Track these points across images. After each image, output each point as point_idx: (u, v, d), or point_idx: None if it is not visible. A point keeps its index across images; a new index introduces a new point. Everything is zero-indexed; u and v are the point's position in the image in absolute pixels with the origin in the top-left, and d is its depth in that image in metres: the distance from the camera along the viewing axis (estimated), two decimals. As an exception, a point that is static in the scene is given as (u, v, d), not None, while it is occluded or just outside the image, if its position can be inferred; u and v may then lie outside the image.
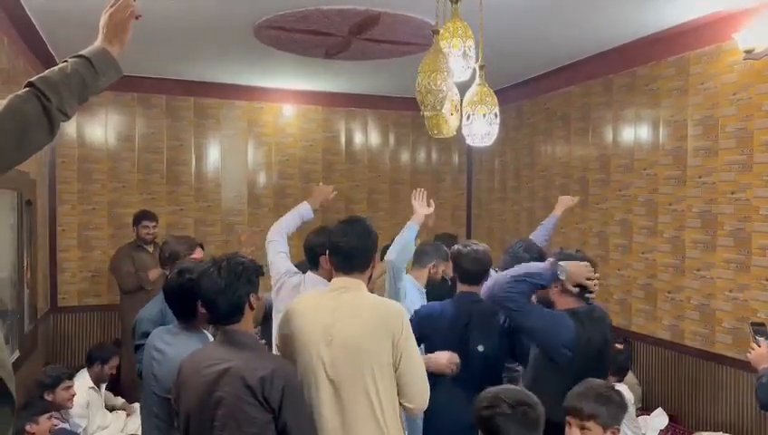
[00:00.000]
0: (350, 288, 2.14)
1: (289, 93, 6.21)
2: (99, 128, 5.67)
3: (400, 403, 2.08)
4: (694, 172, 4.12)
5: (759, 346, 2.70)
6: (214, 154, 6.08)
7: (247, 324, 2.02)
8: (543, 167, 5.77)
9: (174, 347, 2.25)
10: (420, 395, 2.08)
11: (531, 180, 5.95)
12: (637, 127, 4.65)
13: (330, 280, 2.83)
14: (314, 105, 6.36)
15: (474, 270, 2.87)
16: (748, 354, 2.75)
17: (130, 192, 5.77)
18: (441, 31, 2.68)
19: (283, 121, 6.30)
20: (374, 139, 6.66)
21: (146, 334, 2.50)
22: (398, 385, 2.06)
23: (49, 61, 5.01)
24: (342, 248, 2.17)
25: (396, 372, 2.04)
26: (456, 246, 2.98)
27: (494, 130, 2.94)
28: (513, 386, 2.15)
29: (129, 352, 3.78)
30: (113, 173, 5.74)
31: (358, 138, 6.59)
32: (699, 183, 4.08)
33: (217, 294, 1.94)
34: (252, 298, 2.00)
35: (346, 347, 2.03)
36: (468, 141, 3.10)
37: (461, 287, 2.93)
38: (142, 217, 5.16)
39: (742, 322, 3.75)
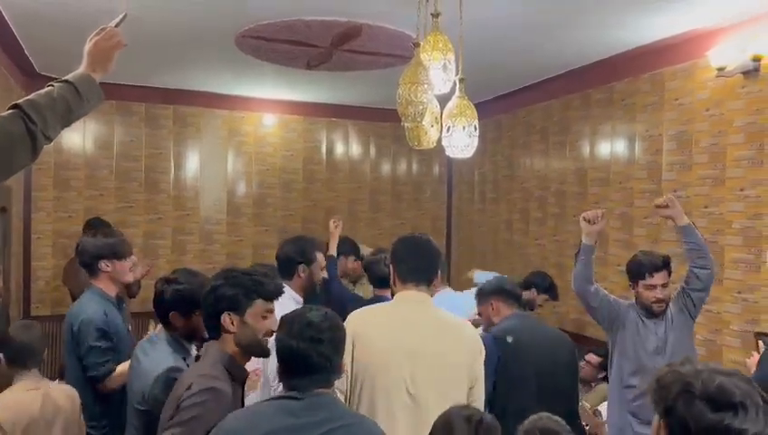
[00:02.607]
0: (423, 302, 2.16)
1: (270, 103, 6.21)
2: (76, 135, 5.61)
3: None
4: (668, 186, 4.20)
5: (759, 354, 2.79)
6: (193, 163, 6.05)
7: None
8: (522, 179, 5.83)
9: (149, 358, 2.22)
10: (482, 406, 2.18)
11: (510, 192, 6.01)
12: (613, 141, 4.73)
13: (303, 292, 2.83)
14: (295, 115, 6.37)
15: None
16: (747, 360, 2.83)
17: (107, 200, 5.71)
18: (422, 44, 2.71)
19: (264, 131, 6.29)
20: (355, 149, 6.68)
21: (103, 334, 2.51)
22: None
23: (26, 66, 4.96)
24: (407, 261, 2.19)
25: (469, 390, 2.10)
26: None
27: (474, 142, 2.98)
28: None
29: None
30: (90, 181, 5.68)
31: (339, 148, 6.61)
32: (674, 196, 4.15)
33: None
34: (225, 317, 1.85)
35: (433, 365, 2.04)
36: (448, 153, 3.13)
37: None
38: (97, 225, 4.99)
39: (715, 334, 3.81)
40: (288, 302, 2.47)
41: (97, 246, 2.75)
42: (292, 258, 2.82)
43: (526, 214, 5.74)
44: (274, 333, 1.80)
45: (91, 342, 2.56)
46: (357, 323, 2.12)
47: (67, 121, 1.59)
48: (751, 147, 3.64)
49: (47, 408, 2.33)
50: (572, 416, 2.85)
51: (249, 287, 1.85)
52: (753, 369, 2.73)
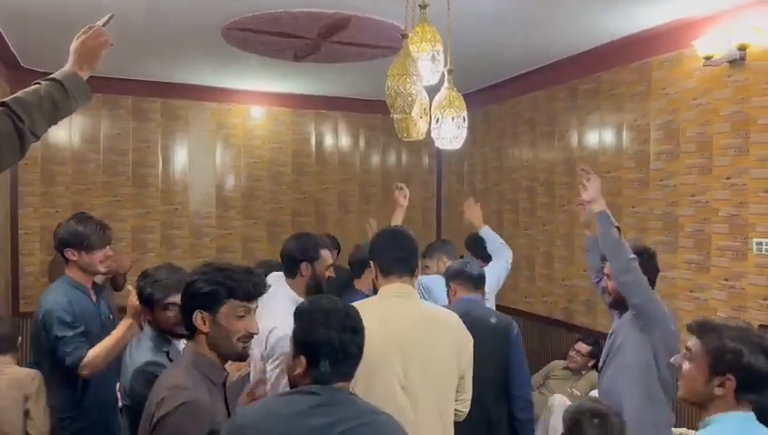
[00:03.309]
0: (410, 295, 2.16)
1: (258, 95, 6.18)
2: (63, 129, 5.56)
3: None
4: (656, 175, 4.23)
5: None
6: (181, 156, 6.01)
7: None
8: (511, 170, 5.85)
9: (131, 357, 2.23)
10: (470, 400, 2.22)
11: (499, 183, 6.03)
12: (601, 131, 4.75)
13: (304, 291, 2.77)
14: (283, 107, 6.34)
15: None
16: None
17: (95, 194, 5.67)
18: (410, 35, 2.71)
19: (252, 123, 6.26)
20: (344, 141, 6.67)
21: (66, 323, 2.51)
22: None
23: (10, 60, 4.90)
24: (391, 253, 2.17)
25: (459, 380, 2.14)
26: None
27: (463, 133, 2.99)
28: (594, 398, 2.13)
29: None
30: (78, 175, 5.63)
31: (328, 140, 6.59)
32: (661, 186, 4.19)
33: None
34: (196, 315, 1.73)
35: (423, 359, 2.04)
36: (437, 144, 3.14)
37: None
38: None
39: (702, 321, 3.85)
40: (284, 301, 2.44)
41: (67, 233, 2.69)
42: (294, 256, 2.68)
43: (515, 204, 5.76)
44: (253, 336, 1.76)
45: (57, 332, 2.53)
46: None
47: (54, 119, 1.59)
48: (737, 135, 3.67)
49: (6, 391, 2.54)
50: (500, 404, 2.90)
51: (222, 284, 1.71)
52: None
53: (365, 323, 2.01)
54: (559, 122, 5.20)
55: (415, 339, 2.06)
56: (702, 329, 1.69)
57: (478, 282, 3.10)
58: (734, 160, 3.69)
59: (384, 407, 1.93)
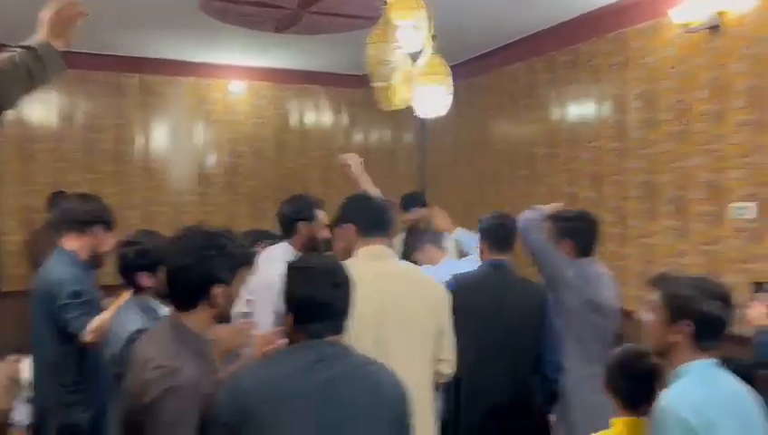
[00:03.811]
0: (386, 256, 2.18)
1: (238, 70, 6.12)
2: (39, 105, 5.47)
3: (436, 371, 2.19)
4: (636, 144, 4.27)
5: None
6: (161, 132, 5.95)
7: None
8: (494, 143, 5.87)
9: (117, 322, 2.23)
10: (454, 361, 2.23)
11: (482, 155, 6.05)
12: (581, 102, 4.78)
13: (303, 248, 2.82)
14: (265, 82, 6.29)
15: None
16: (746, 311, 2.69)
17: (75, 172, 5.60)
18: (391, 1, 2.70)
19: (233, 99, 6.21)
20: (326, 116, 6.64)
21: (74, 292, 2.50)
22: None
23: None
24: (369, 212, 2.20)
25: (437, 339, 2.15)
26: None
27: (447, 100, 2.99)
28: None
29: None
30: (56, 153, 5.56)
31: (310, 115, 6.56)
32: (641, 154, 4.24)
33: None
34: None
35: (403, 319, 2.06)
36: (420, 113, 3.14)
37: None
38: (61, 200, 4.90)
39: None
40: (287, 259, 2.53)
41: (100, 208, 2.77)
42: (290, 216, 2.84)
43: (498, 177, 5.80)
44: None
45: (65, 300, 2.53)
46: None
47: (29, 89, 1.58)
48: (715, 102, 3.72)
49: None
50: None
51: (239, 257, 1.70)
52: (759, 321, 2.65)
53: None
54: (539, 95, 5.22)
55: (393, 299, 2.08)
56: (660, 281, 1.79)
57: (508, 242, 2.90)
58: (712, 127, 3.75)
59: None
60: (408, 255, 3.69)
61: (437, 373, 2.20)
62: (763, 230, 3.50)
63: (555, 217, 3.02)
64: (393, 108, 3.16)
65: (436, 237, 3.72)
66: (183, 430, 1.50)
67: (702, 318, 1.67)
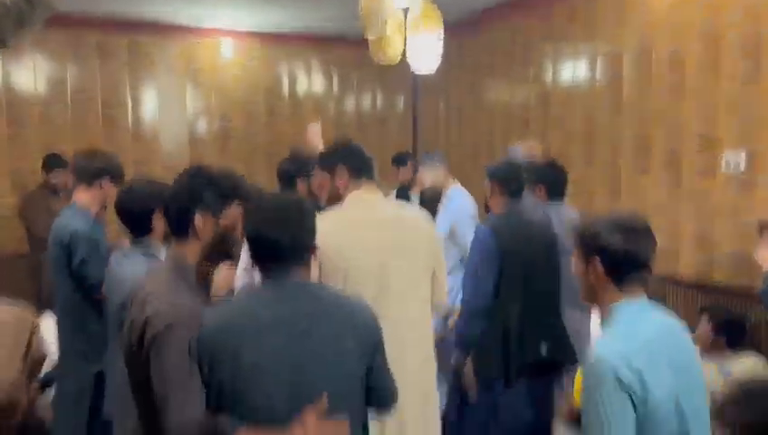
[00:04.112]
0: (379, 200, 2.20)
1: (228, 32, 6.04)
2: (26, 68, 5.39)
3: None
4: (629, 99, 4.27)
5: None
6: (151, 96, 5.89)
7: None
8: (486, 104, 5.85)
9: (123, 267, 2.23)
10: (445, 296, 2.28)
11: (475, 118, 6.03)
12: (575, 58, 4.76)
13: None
14: (255, 44, 6.22)
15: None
16: (758, 253, 2.68)
17: (65, 136, 5.54)
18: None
19: (223, 61, 6.14)
20: (317, 79, 6.58)
21: (92, 245, 2.55)
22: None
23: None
24: (361, 155, 2.20)
25: (432, 276, 2.19)
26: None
27: (439, 50, 2.98)
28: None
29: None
30: (45, 117, 5.49)
31: (301, 78, 6.50)
32: (634, 110, 4.24)
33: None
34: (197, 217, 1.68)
35: (399, 257, 2.09)
36: (412, 66, 3.13)
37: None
38: (55, 163, 4.86)
39: (671, 240, 3.97)
40: None
41: (109, 163, 2.82)
42: (290, 172, 2.97)
43: (491, 138, 5.79)
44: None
45: (84, 252, 2.60)
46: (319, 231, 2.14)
47: (20, 28, 1.56)
48: (708, 52, 3.71)
49: None
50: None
51: (226, 188, 1.72)
52: (765, 262, 2.63)
53: (339, 227, 2.03)
54: (533, 52, 5.19)
55: (389, 239, 2.10)
56: (578, 229, 1.73)
57: (521, 186, 2.87)
58: (705, 78, 3.75)
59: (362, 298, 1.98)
60: None
61: (436, 304, 2.24)
62: (753, 180, 3.53)
63: (528, 168, 3.09)
64: (387, 62, 3.14)
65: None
66: (185, 362, 1.50)
67: (607, 252, 1.59)
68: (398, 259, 2.09)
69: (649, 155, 4.14)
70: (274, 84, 6.37)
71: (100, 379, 2.63)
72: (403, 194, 4.63)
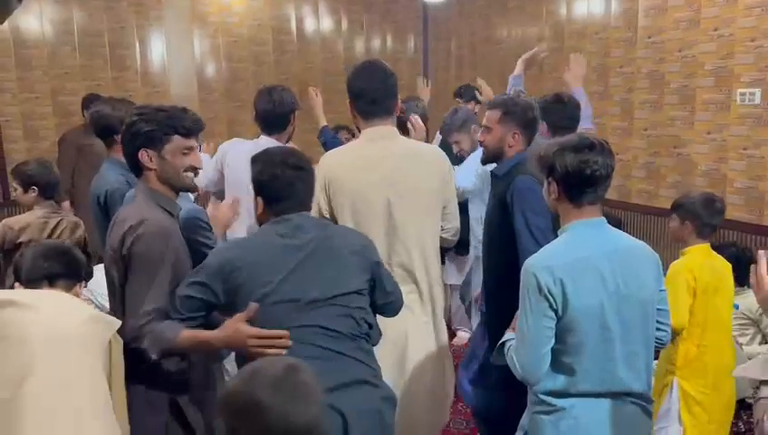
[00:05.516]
0: (390, 137, 2.17)
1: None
2: (33, 13, 5.33)
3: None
4: (644, 33, 4.16)
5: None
6: (157, 37, 5.82)
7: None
8: (498, 39, 5.72)
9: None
10: (457, 228, 2.28)
11: (487, 55, 5.91)
12: (590, -9, 4.62)
13: (287, 141, 2.86)
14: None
15: None
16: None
17: (74, 79, 5.52)
18: None
19: (230, 1, 6.03)
20: (326, 21, 6.45)
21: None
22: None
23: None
24: (371, 92, 2.13)
25: (443, 210, 2.21)
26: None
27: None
28: None
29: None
30: (53, 59, 5.46)
31: (309, 20, 6.37)
32: (649, 43, 4.13)
33: None
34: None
35: (409, 193, 2.10)
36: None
37: None
38: (93, 101, 4.87)
39: (684, 175, 3.93)
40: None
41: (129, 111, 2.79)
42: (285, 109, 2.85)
43: (504, 77, 5.67)
44: (198, 171, 1.87)
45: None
46: (329, 166, 2.13)
47: None
48: (727, -17, 3.58)
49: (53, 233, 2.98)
50: None
51: (165, 123, 1.80)
52: None
53: (344, 170, 2.08)
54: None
55: (399, 176, 2.10)
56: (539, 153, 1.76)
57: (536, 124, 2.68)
58: (721, 11, 3.63)
59: (371, 234, 2.02)
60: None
61: (444, 239, 2.26)
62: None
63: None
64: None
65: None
66: (157, 266, 1.71)
67: (558, 171, 1.64)
68: (403, 194, 2.10)
69: (663, 90, 4.06)
70: (282, 22, 6.25)
71: None
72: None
